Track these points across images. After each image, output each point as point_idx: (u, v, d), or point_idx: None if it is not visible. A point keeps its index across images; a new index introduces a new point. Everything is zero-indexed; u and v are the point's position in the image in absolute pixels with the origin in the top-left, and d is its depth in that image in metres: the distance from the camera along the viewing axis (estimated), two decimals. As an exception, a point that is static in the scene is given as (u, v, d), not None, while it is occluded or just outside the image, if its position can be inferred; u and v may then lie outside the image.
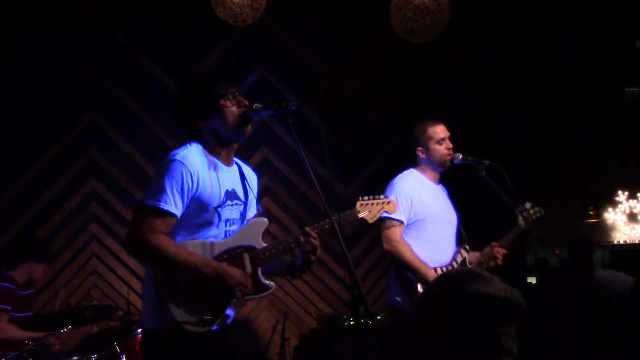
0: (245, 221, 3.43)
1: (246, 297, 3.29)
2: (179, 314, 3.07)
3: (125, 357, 5.04)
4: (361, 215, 3.66)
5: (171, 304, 3.06)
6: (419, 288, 4.38)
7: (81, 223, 6.48)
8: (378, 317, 6.10)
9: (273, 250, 3.32)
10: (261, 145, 6.86)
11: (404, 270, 4.48)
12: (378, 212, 3.73)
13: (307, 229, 3.31)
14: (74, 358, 4.99)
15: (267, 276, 3.34)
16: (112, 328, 6.21)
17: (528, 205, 4.90)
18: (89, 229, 6.50)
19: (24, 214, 6.35)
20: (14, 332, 5.22)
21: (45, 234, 6.31)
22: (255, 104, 3.27)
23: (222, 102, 3.26)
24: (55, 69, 6.48)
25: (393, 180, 4.67)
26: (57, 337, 5.25)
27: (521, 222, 4.80)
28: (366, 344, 3.18)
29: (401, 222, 4.54)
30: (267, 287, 3.34)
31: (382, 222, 4.56)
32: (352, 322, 5.92)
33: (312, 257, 3.31)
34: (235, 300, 3.21)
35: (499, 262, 4.64)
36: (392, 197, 4.51)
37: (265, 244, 3.33)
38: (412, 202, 4.55)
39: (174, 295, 3.07)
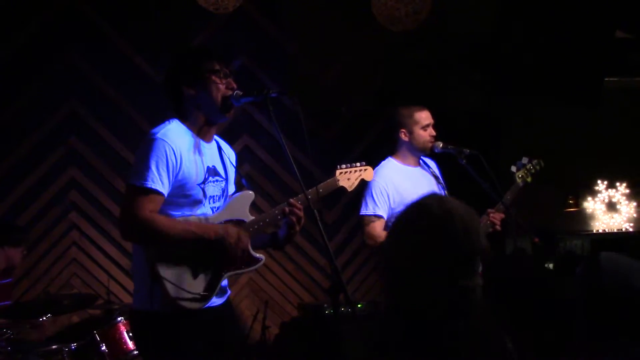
0: (232, 195, 3.44)
1: (238, 271, 3.31)
2: (172, 289, 3.06)
3: (105, 345, 5.03)
4: (341, 183, 3.67)
5: (165, 280, 3.05)
6: None
7: (61, 211, 6.44)
8: (358, 306, 6.12)
9: (261, 223, 3.35)
10: (242, 134, 6.85)
11: None
12: (356, 179, 3.74)
13: (291, 200, 3.33)
14: (53, 346, 4.97)
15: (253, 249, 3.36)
16: (92, 316, 6.20)
17: (525, 160, 4.89)
18: (69, 217, 6.46)
19: (3, 201, 6.29)
20: None
21: (25, 222, 6.26)
22: (236, 91, 3.28)
23: (213, 76, 3.27)
24: (35, 57, 6.40)
25: None
26: (36, 328, 5.20)
27: (518, 179, 4.80)
28: (346, 332, 3.21)
29: (380, 217, 4.57)
30: (258, 260, 3.37)
31: (361, 220, 4.64)
32: (331, 311, 5.93)
33: (296, 228, 3.34)
34: (228, 271, 3.23)
35: (498, 227, 4.66)
36: (368, 192, 4.56)
37: (252, 217, 3.35)
38: (388, 195, 4.58)
39: (166, 272, 3.07)
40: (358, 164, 3.78)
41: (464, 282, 1.87)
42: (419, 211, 1.99)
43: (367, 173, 3.82)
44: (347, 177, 3.71)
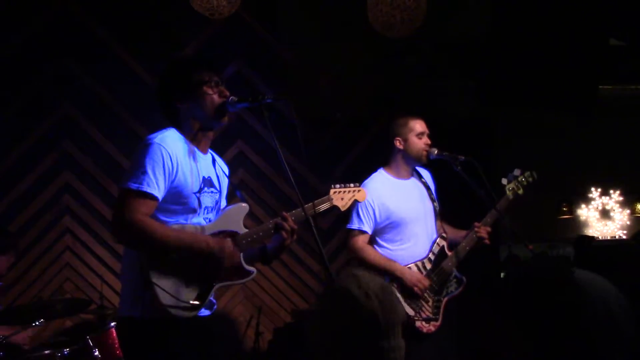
0: (226, 207, 3.43)
1: (229, 283, 3.31)
2: (164, 296, 3.05)
3: (98, 350, 5.01)
4: (334, 202, 3.73)
5: (156, 287, 3.04)
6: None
7: (54, 216, 6.43)
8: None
9: (254, 236, 3.34)
10: (237, 140, 6.85)
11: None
12: (349, 200, 3.82)
13: (284, 213, 3.34)
14: (46, 352, 4.94)
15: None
16: (84, 321, 6.17)
17: (517, 172, 4.89)
18: (62, 221, 6.44)
19: (-4, 206, 6.29)
20: None
21: (18, 226, 6.25)
22: (231, 97, 3.28)
23: (204, 87, 3.26)
24: (29, 61, 6.40)
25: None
26: (28, 334, 5.16)
27: (509, 192, 4.81)
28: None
29: (364, 232, 4.67)
30: (250, 273, 3.37)
31: (347, 232, 4.76)
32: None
33: (287, 242, 3.34)
34: (220, 282, 3.23)
35: (487, 241, 4.67)
36: (355, 207, 4.68)
37: (246, 230, 3.35)
38: (374, 211, 4.67)
39: (158, 279, 3.05)
40: (352, 185, 3.85)
41: (381, 343, 2.10)
42: (341, 294, 2.28)
43: (360, 194, 3.91)
44: (341, 197, 3.78)
